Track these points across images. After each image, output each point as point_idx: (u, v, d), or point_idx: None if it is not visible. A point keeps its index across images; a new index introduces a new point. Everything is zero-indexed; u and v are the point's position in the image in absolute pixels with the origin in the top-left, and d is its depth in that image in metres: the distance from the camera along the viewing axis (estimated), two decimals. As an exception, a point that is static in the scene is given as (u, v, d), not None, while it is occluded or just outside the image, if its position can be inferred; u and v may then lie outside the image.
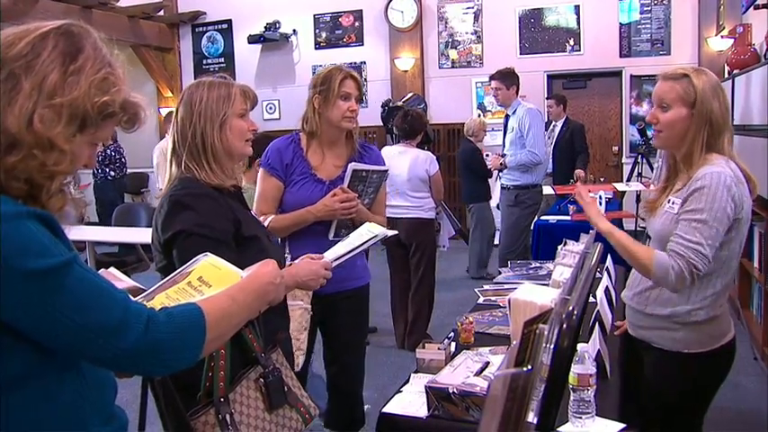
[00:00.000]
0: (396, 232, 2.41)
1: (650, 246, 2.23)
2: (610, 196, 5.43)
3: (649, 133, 7.20)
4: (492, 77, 5.43)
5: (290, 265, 2.03)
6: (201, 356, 1.24)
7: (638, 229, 7.47)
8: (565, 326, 1.08)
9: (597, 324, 2.34)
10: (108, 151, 8.53)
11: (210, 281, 1.48)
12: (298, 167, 2.67)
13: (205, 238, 1.78)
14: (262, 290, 1.44)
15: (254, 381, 1.71)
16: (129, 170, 9.19)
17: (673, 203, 2.10)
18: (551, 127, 7.36)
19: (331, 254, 2.10)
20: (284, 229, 2.61)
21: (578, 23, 8.81)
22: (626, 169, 8.33)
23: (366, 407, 3.78)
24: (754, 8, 5.12)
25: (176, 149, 1.95)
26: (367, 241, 2.15)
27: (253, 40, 9.76)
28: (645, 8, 8.54)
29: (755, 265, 4.48)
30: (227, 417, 1.61)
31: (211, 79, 2.00)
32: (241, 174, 2.20)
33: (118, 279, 1.65)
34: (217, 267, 1.52)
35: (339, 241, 2.21)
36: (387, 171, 2.78)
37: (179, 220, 1.82)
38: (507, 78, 5.35)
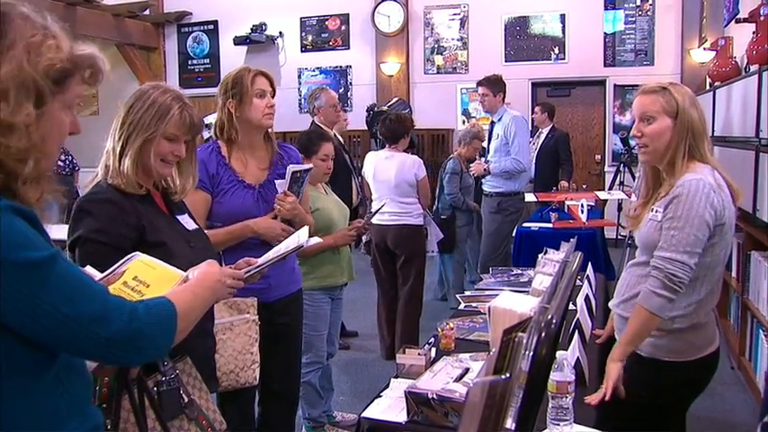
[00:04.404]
0: (319, 240, 2.37)
1: (637, 254, 2.27)
2: (592, 204, 5.48)
3: (632, 143, 7.28)
4: (479, 83, 5.44)
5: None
6: (172, 346, 1.30)
7: (619, 237, 7.57)
8: (543, 334, 1.09)
9: (577, 332, 2.35)
10: None
11: (147, 280, 1.50)
12: (224, 176, 2.59)
13: (101, 244, 1.78)
14: (214, 287, 1.52)
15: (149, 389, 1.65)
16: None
17: (656, 211, 2.14)
18: (537, 134, 7.40)
19: (262, 260, 2.06)
20: (220, 244, 2.53)
21: (563, 32, 8.88)
22: (608, 178, 8.41)
23: (340, 414, 3.79)
24: (736, 22, 5.18)
25: (112, 148, 1.91)
26: (292, 249, 2.09)
27: (239, 41, 9.75)
28: (629, 19, 8.64)
29: (733, 275, 4.54)
30: (108, 423, 1.55)
31: (165, 87, 1.95)
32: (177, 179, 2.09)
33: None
34: (151, 267, 1.55)
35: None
36: (311, 168, 2.77)
37: (79, 225, 1.83)
38: (495, 85, 5.37)
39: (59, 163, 5.81)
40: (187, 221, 2.07)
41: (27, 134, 1.09)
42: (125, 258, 1.55)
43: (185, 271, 1.59)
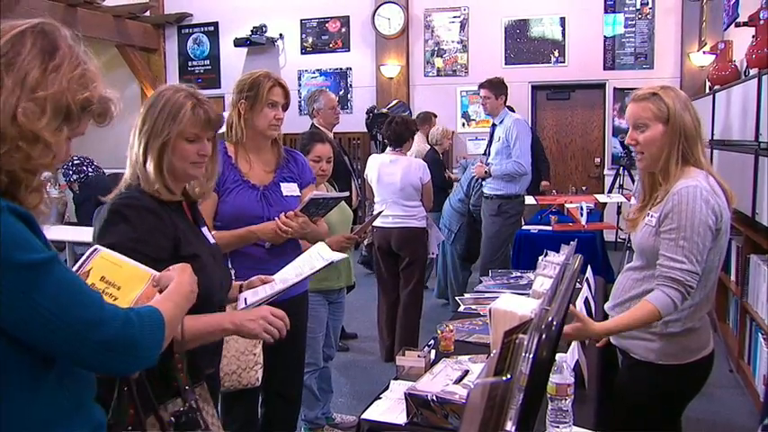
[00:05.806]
0: (345, 256, 2.41)
1: (634, 258, 2.28)
2: (591, 207, 5.48)
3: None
4: (481, 86, 5.43)
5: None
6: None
7: (619, 240, 7.57)
8: (544, 336, 1.09)
9: (576, 334, 2.35)
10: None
11: (117, 281, 1.46)
12: (229, 176, 2.59)
13: (138, 254, 1.63)
14: (189, 296, 1.50)
15: (169, 414, 1.61)
16: (109, 170, 9.09)
17: (651, 216, 2.15)
18: None
19: (279, 279, 2.05)
20: (225, 246, 2.50)
21: (563, 35, 8.89)
22: (607, 181, 8.42)
23: (339, 416, 3.79)
24: (735, 26, 5.20)
25: (136, 153, 1.84)
26: (318, 269, 2.09)
27: (239, 43, 9.72)
28: (629, 22, 8.65)
29: (732, 278, 4.54)
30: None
31: (177, 86, 1.87)
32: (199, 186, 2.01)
33: None
34: (117, 264, 1.49)
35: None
36: (344, 197, 2.77)
37: (115, 231, 1.72)
38: (497, 88, 5.37)
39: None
40: (208, 234, 2.02)
41: (48, 149, 1.15)
42: (87, 254, 1.49)
43: (218, 288, 1.59)
